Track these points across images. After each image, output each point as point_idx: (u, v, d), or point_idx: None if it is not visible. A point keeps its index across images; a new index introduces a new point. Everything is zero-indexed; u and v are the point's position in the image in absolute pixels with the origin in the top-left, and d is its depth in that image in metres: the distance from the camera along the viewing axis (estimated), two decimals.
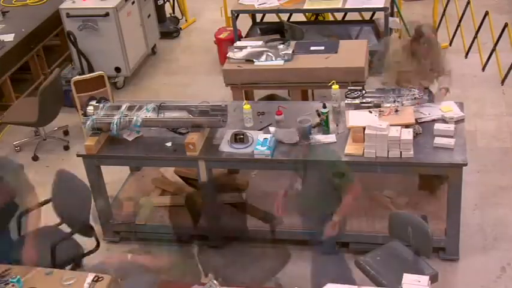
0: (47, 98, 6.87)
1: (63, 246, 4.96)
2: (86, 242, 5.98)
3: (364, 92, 5.49)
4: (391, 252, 4.80)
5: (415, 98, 5.32)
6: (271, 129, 5.45)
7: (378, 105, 5.30)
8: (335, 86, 5.66)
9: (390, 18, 7.78)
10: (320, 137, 5.29)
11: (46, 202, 5.26)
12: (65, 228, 5.23)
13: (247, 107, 5.59)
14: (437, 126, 5.18)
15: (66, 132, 7.61)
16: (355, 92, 5.49)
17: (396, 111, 5.17)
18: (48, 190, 6.70)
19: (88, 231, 5.16)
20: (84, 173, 5.64)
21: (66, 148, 7.36)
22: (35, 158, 7.27)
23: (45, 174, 7.01)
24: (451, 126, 5.17)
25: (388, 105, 5.23)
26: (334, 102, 5.57)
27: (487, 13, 7.32)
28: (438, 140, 5.07)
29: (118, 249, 5.89)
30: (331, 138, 5.28)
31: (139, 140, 5.60)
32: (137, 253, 5.80)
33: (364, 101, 5.39)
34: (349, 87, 5.63)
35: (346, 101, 5.43)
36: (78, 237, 5.17)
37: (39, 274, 4.48)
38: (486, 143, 6.66)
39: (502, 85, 7.39)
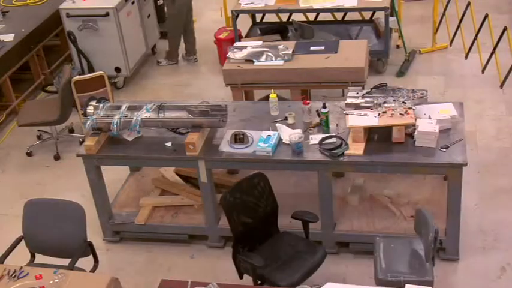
0: (65, 95, 6.89)
1: None
2: None
3: (364, 92, 5.48)
4: (407, 245, 4.77)
5: (415, 97, 5.31)
6: (278, 125, 5.46)
7: (378, 105, 5.29)
8: (273, 95, 5.75)
9: (390, 18, 7.79)
10: (319, 137, 5.30)
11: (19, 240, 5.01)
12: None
13: (273, 96, 5.68)
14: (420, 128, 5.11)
15: (71, 130, 7.58)
16: (356, 92, 5.49)
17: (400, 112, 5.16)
18: (76, 183, 6.61)
19: (89, 251, 4.94)
20: (83, 173, 5.66)
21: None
22: (57, 157, 7.27)
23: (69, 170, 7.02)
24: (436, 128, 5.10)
25: (388, 105, 5.22)
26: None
27: (486, 15, 7.33)
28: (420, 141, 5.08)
29: (118, 249, 5.90)
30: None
31: (139, 140, 5.60)
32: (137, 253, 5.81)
33: (364, 100, 5.38)
34: (349, 87, 5.63)
35: (346, 101, 5.43)
36: None
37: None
38: (486, 143, 6.66)
39: (501, 88, 7.39)
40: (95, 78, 6.97)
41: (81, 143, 7.28)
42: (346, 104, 5.39)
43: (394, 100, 5.27)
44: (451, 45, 8.27)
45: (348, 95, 5.47)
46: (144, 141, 5.59)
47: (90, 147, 5.49)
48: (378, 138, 5.22)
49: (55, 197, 6.59)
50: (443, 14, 8.18)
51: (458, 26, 7.83)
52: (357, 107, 5.31)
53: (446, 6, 8.11)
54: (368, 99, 5.34)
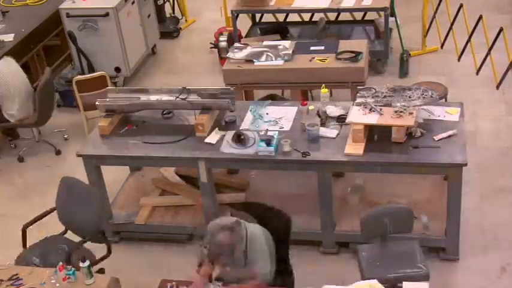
0: (44, 97, 6.88)
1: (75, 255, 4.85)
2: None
3: (374, 91, 5.47)
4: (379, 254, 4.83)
5: (426, 98, 5.31)
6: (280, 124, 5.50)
7: (388, 105, 5.28)
8: (324, 90, 5.83)
9: (390, 18, 7.79)
10: (322, 130, 5.33)
11: (51, 211, 5.24)
12: (71, 236, 5.20)
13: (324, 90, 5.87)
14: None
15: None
16: (367, 91, 5.48)
17: (400, 112, 5.16)
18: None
19: (101, 238, 5.06)
20: (83, 173, 5.66)
21: (58, 153, 7.34)
22: (21, 159, 7.24)
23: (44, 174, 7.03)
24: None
25: (399, 104, 5.21)
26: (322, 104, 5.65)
27: (480, 17, 7.35)
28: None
29: (118, 249, 5.89)
30: (331, 133, 5.31)
31: (139, 139, 5.60)
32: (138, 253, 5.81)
33: (374, 100, 5.37)
34: (358, 87, 5.62)
35: (357, 100, 5.42)
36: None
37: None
38: (486, 143, 6.67)
39: (497, 89, 7.39)
40: (97, 78, 6.99)
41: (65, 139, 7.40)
42: (356, 103, 5.38)
43: (404, 100, 5.26)
44: (442, 48, 8.26)
45: (358, 94, 5.48)
46: (144, 140, 5.59)
47: (103, 128, 5.68)
48: (378, 138, 5.23)
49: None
50: (434, 17, 8.17)
51: (450, 28, 7.84)
52: (367, 106, 5.32)
53: (437, 7, 8.12)
54: (378, 99, 5.34)
